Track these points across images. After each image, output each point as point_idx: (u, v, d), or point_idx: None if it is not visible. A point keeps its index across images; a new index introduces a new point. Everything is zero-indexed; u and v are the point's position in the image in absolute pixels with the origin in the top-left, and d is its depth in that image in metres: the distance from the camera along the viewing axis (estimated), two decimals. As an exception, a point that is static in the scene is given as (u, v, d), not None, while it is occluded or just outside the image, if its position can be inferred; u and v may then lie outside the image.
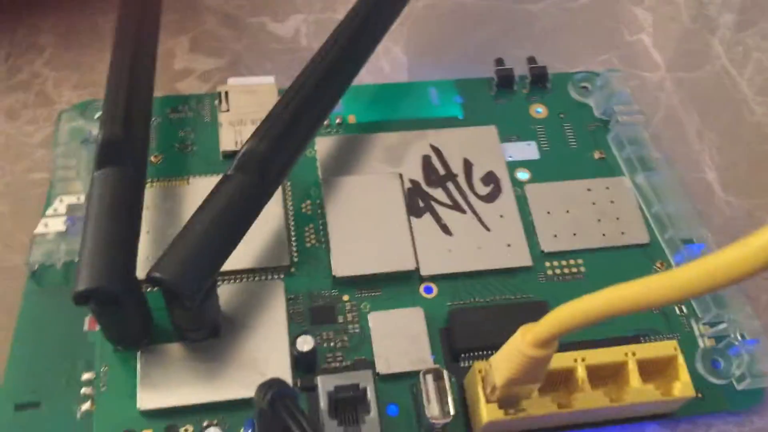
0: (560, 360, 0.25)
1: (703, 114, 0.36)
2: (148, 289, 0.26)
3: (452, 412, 0.24)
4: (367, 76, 0.35)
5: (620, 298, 0.18)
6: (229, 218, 0.23)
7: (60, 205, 0.28)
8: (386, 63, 0.36)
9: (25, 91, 0.33)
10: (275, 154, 0.25)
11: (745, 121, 0.36)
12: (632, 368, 0.25)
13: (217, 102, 0.32)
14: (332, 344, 0.27)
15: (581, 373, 0.25)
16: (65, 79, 0.34)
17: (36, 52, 0.35)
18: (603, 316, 0.19)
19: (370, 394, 0.24)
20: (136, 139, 0.25)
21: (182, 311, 0.24)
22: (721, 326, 0.28)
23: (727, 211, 0.33)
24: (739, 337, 0.28)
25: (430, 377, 0.25)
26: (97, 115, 0.30)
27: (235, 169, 0.25)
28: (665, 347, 0.26)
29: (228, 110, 0.32)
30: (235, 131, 0.31)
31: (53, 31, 0.36)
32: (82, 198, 0.28)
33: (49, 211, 0.27)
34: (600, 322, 0.19)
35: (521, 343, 0.21)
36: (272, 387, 0.20)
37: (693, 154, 0.35)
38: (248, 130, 0.29)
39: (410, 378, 0.26)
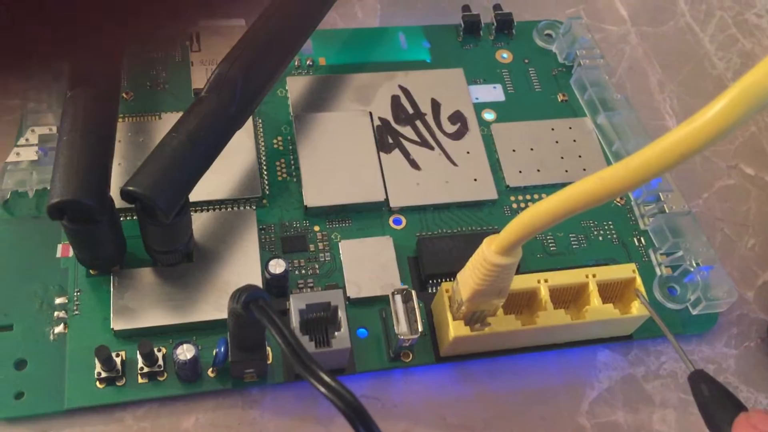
0: (524, 281, 0.26)
1: (665, 66, 0.38)
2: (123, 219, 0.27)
3: (420, 329, 0.25)
4: (340, 21, 0.36)
5: (577, 194, 0.19)
6: (202, 136, 0.24)
7: (32, 135, 0.28)
8: (359, 9, 0.37)
9: None
10: (246, 74, 0.25)
11: (707, 75, 0.38)
12: (592, 289, 0.26)
13: (188, 43, 0.32)
14: (303, 271, 0.28)
15: (544, 293, 0.26)
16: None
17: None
18: (563, 214, 0.20)
19: (341, 313, 0.24)
20: (106, 63, 0.25)
21: (156, 229, 0.24)
22: (678, 254, 0.29)
23: (684, 156, 0.34)
24: (695, 264, 0.29)
25: (399, 297, 0.25)
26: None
27: (208, 91, 0.25)
28: (624, 269, 0.27)
29: (199, 50, 0.32)
30: (206, 70, 0.31)
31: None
32: (54, 129, 0.28)
33: (21, 141, 0.28)
34: (561, 221, 0.20)
35: (487, 252, 0.22)
36: (246, 290, 0.21)
37: (654, 102, 0.36)
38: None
39: (380, 303, 0.27)
